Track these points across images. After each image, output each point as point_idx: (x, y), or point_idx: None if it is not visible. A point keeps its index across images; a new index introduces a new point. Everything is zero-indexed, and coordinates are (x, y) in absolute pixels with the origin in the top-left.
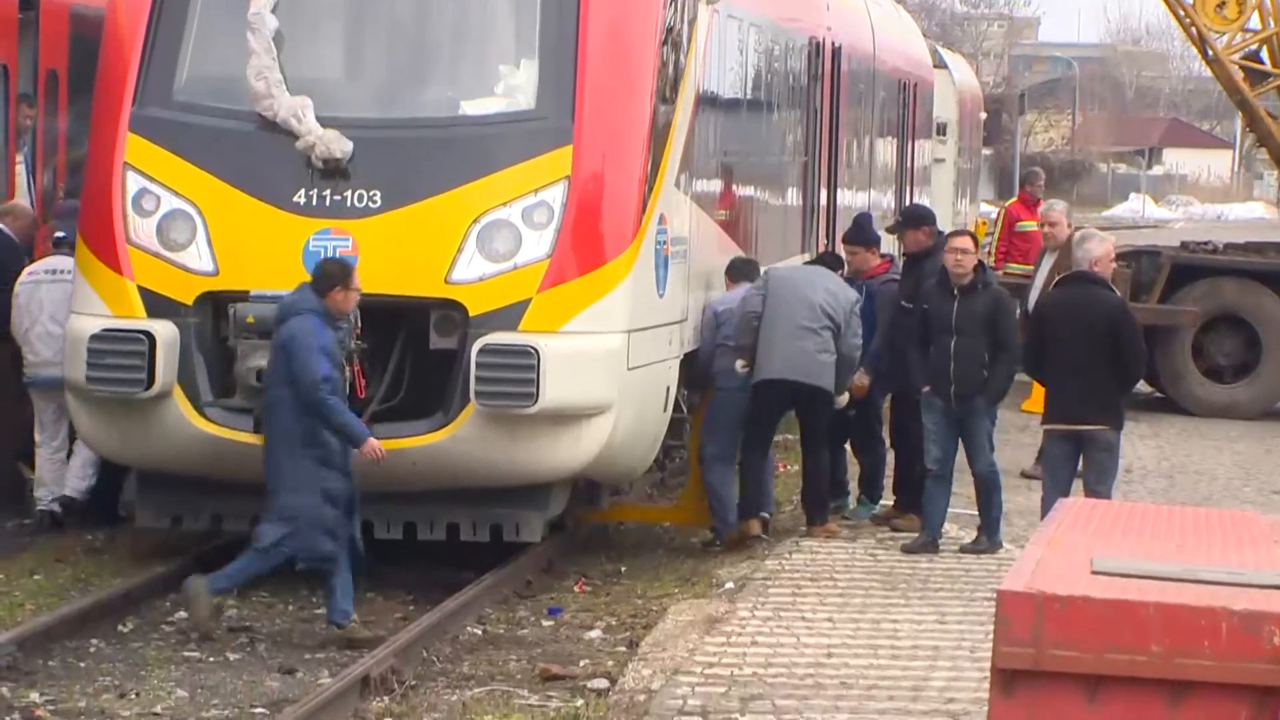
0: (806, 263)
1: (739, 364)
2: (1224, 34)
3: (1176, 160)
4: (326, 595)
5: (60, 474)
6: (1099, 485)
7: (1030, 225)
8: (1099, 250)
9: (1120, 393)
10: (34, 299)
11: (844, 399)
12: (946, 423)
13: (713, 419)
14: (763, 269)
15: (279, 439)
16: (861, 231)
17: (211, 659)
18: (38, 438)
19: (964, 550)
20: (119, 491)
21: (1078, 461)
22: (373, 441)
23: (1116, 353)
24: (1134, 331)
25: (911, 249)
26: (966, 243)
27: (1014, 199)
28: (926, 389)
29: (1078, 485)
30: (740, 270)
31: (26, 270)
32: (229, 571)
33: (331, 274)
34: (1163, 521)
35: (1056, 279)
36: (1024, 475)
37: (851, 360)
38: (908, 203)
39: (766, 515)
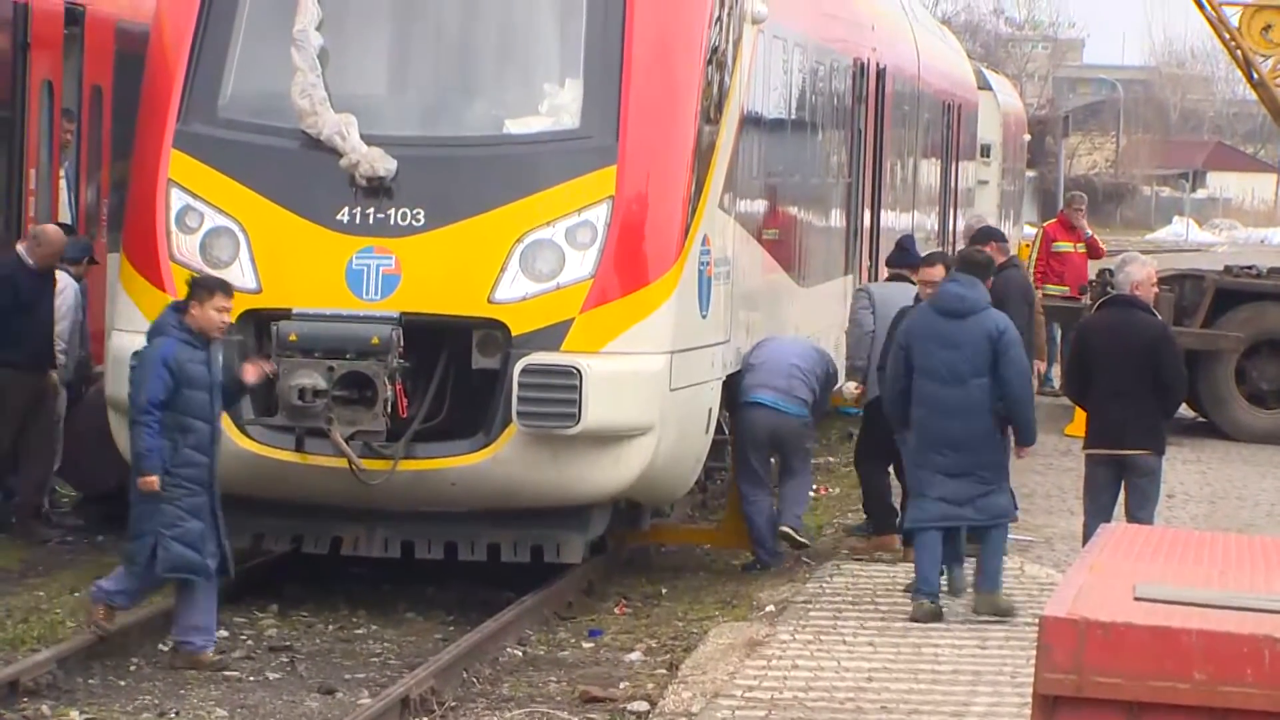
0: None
1: (853, 386)
2: (1270, 57)
3: (1220, 184)
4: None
5: None
6: (1140, 511)
7: (1066, 246)
8: (1140, 274)
9: (1162, 417)
10: None
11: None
12: None
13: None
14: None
15: (972, 425)
16: (905, 254)
17: (251, 678)
18: None
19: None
20: None
21: (1119, 486)
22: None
23: (1157, 377)
24: (1175, 355)
25: None
26: (940, 273)
27: (1053, 220)
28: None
29: (1120, 511)
30: None
31: None
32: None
33: (988, 263)
34: (1205, 548)
35: (1099, 302)
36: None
37: None
38: (951, 225)
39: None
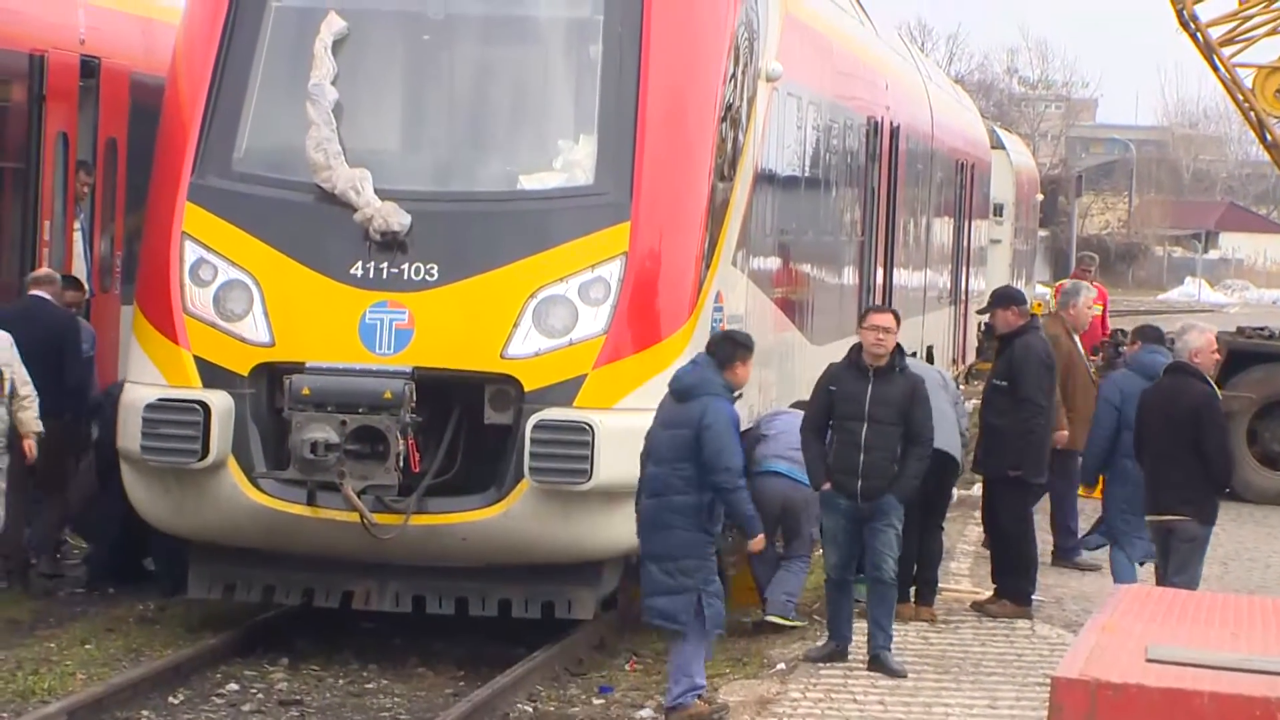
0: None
1: None
2: None
3: (1233, 244)
4: None
5: None
6: (1175, 576)
7: None
8: (1198, 341)
9: (1206, 484)
10: None
11: None
12: (849, 524)
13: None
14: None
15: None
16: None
17: None
18: None
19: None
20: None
21: (1169, 552)
22: None
23: (1199, 444)
24: (1214, 423)
25: (1002, 329)
26: (888, 320)
27: (1065, 281)
28: (826, 485)
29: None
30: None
31: None
32: None
33: (1161, 335)
34: (1217, 610)
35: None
36: None
37: None
38: (964, 284)
39: None
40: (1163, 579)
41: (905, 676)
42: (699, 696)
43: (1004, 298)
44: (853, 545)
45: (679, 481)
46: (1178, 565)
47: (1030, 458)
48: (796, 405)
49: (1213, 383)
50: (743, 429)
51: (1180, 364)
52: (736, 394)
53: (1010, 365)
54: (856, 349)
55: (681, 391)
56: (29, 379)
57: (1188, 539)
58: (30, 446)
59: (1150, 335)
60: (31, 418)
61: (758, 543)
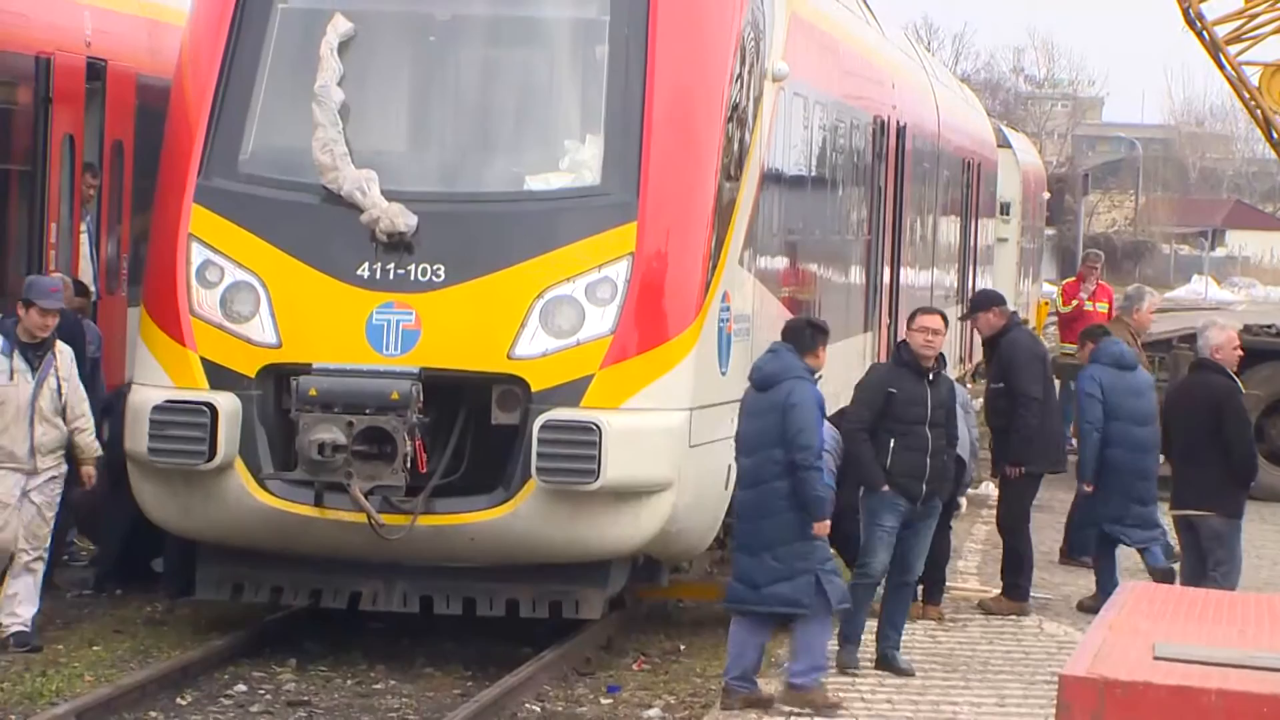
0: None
1: None
2: None
3: (1239, 242)
4: None
5: None
6: (1213, 570)
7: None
8: (1219, 338)
9: (1229, 479)
10: None
11: None
12: (900, 527)
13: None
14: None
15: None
16: None
17: None
18: None
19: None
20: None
21: (1200, 548)
22: None
23: (1219, 436)
24: (1236, 416)
25: (986, 332)
26: (938, 321)
27: (1072, 279)
28: (885, 488)
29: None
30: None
31: None
32: None
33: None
34: (1225, 607)
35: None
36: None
37: None
38: (970, 282)
39: None
40: (1185, 574)
41: (913, 675)
42: (821, 680)
43: (983, 301)
44: (893, 547)
45: (773, 467)
46: (1211, 561)
47: (1034, 451)
48: None
49: (1235, 378)
50: None
51: (1203, 360)
52: (818, 376)
53: (1001, 365)
54: (905, 350)
55: (763, 380)
56: (85, 398)
57: (1211, 535)
58: (89, 474)
59: (1097, 333)
60: (89, 441)
61: (822, 527)
